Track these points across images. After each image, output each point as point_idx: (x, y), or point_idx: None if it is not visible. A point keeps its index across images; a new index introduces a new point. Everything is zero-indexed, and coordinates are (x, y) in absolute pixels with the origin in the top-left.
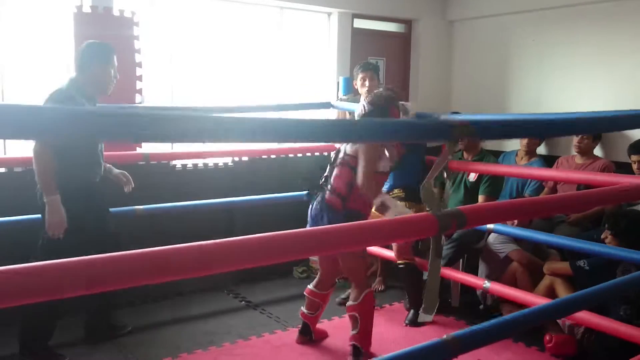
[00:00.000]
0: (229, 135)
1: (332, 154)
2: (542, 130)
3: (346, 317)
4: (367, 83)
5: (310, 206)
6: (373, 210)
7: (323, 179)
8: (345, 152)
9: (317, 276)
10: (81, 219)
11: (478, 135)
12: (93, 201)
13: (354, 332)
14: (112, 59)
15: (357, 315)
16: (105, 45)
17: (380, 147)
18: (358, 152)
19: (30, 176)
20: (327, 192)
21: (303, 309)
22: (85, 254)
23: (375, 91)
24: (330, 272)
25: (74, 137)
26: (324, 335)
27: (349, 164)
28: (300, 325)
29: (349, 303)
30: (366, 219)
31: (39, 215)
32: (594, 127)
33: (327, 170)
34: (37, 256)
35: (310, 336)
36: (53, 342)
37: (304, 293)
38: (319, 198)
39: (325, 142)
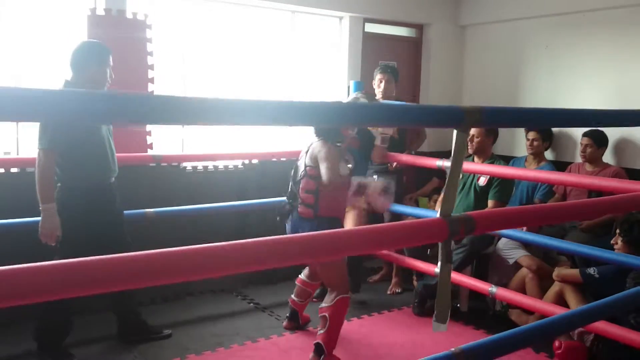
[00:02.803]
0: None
1: (292, 171)
2: (550, 120)
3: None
4: (382, 85)
5: (288, 223)
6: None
7: (291, 196)
8: (305, 165)
9: (307, 268)
10: (87, 221)
11: (489, 121)
12: (102, 203)
13: (321, 331)
14: (108, 58)
15: (327, 316)
16: (101, 45)
17: (338, 152)
18: (317, 159)
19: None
20: (300, 205)
21: (293, 296)
22: (91, 254)
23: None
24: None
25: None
26: (307, 320)
27: (310, 175)
28: (288, 313)
29: (322, 305)
30: (341, 224)
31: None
32: (599, 120)
33: (291, 186)
34: (56, 258)
35: (298, 322)
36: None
37: (296, 282)
38: (294, 213)
39: (338, 125)
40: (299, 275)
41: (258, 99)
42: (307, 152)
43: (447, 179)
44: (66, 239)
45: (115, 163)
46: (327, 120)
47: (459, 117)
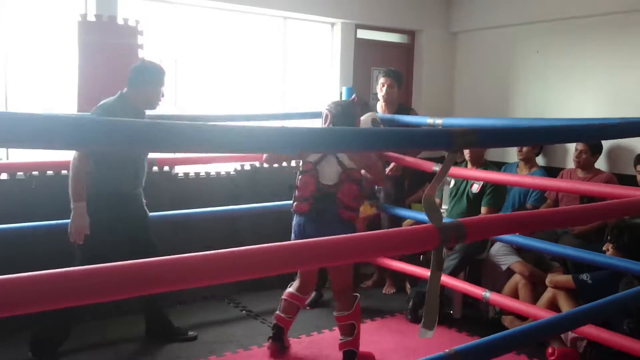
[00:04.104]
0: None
1: (305, 172)
2: (545, 138)
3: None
4: (384, 89)
5: (306, 222)
6: None
7: (324, 197)
8: (346, 167)
9: (298, 280)
10: (110, 227)
11: (480, 143)
12: (127, 210)
13: (349, 338)
14: (163, 80)
15: (355, 323)
16: (158, 67)
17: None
18: (363, 164)
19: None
20: (346, 210)
21: (279, 312)
22: (112, 260)
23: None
24: (313, 276)
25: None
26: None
27: (353, 178)
28: (272, 332)
29: (341, 313)
30: None
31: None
32: (595, 135)
33: (319, 187)
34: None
35: (282, 343)
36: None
37: (284, 297)
38: (327, 216)
39: (330, 150)
40: (288, 290)
41: (254, 126)
42: (335, 156)
43: (427, 189)
44: (88, 243)
45: (144, 174)
46: (316, 146)
47: (447, 141)
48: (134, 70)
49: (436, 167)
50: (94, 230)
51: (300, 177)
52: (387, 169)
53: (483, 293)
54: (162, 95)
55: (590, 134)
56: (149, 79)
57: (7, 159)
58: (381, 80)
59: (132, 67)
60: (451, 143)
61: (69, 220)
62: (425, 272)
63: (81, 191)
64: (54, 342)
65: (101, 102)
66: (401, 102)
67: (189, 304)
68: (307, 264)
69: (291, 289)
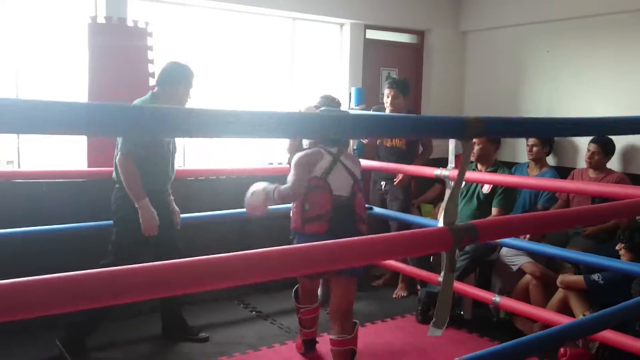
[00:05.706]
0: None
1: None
2: (554, 130)
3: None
4: (389, 100)
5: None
6: None
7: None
8: (358, 179)
9: (301, 295)
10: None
11: (491, 132)
12: (161, 209)
13: None
14: (192, 80)
15: (355, 349)
16: (187, 68)
17: None
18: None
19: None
20: (358, 222)
21: (303, 329)
22: (151, 258)
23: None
24: (314, 285)
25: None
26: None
27: (362, 188)
28: (305, 347)
29: (342, 337)
30: None
31: (110, 222)
32: (601, 130)
33: (344, 199)
34: (105, 262)
35: (315, 347)
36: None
37: (299, 318)
38: (347, 232)
39: (342, 136)
40: (296, 305)
41: (273, 110)
42: (343, 164)
43: (451, 189)
44: (120, 241)
45: (174, 172)
46: (325, 130)
47: (459, 128)
48: (166, 70)
49: (438, 171)
50: (129, 227)
51: (307, 195)
52: (396, 180)
53: (493, 298)
54: (189, 97)
55: (600, 128)
56: (179, 80)
57: (19, 166)
58: (386, 91)
59: (163, 67)
60: (463, 131)
61: (79, 224)
62: (436, 277)
63: (140, 190)
64: (80, 332)
65: (135, 102)
66: (410, 109)
67: (199, 304)
68: (319, 267)
69: (299, 303)
